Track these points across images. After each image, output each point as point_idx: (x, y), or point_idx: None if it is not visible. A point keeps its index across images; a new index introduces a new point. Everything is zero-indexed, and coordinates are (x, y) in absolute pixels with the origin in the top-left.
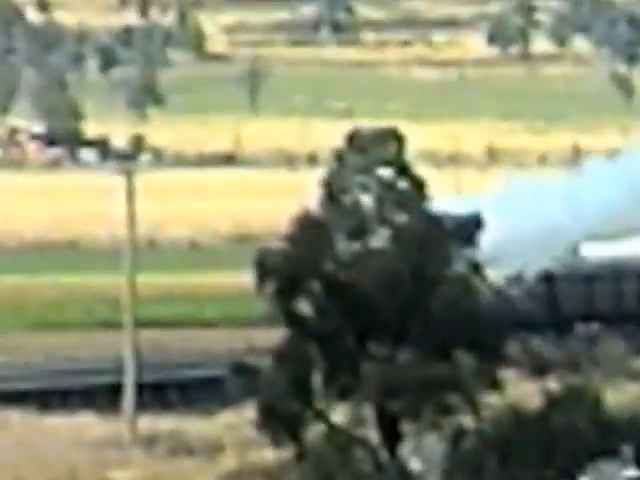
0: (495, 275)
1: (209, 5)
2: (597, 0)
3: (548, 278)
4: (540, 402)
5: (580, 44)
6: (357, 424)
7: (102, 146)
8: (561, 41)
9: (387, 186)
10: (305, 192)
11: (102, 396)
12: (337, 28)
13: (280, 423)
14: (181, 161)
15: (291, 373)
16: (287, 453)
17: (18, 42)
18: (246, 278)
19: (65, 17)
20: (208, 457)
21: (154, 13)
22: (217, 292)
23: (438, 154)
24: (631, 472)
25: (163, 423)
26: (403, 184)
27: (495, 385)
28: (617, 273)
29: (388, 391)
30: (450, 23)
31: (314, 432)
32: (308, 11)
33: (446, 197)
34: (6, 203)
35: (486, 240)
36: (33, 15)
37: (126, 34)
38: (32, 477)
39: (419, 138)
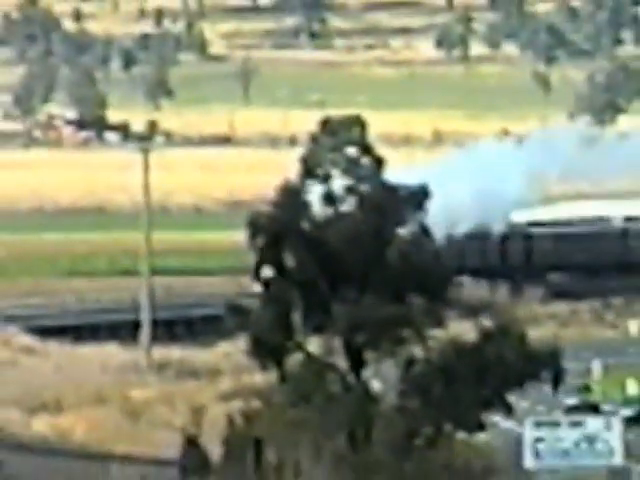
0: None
1: (211, 16)
2: (523, 12)
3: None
4: (475, 337)
5: (509, 48)
6: (329, 353)
7: (123, 129)
8: (494, 45)
9: (352, 162)
10: (286, 167)
11: (124, 330)
12: (313, 35)
13: (267, 352)
14: (187, 142)
15: (276, 312)
16: (272, 377)
17: (56, 46)
18: (239, 236)
19: (94, 26)
20: (209, 380)
21: (166, 22)
22: (216, 247)
23: (394, 136)
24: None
25: (173, 352)
26: (365, 160)
27: (440, 322)
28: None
29: (354, 327)
30: (405, 31)
31: (294, 360)
32: (290, 21)
33: (400, 170)
34: (45, 175)
35: (432, 204)
36: (68, 24)
37: (143, 39)
38: (68, 396)
39: (379, 124)
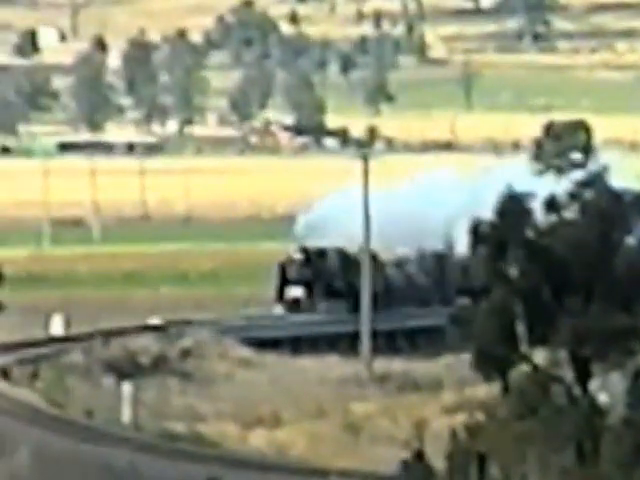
0: None
1: (431, 19)
2: None
3: None
4: None
5: None
6: (554, 365)
7: (342, 135)
8: None
9: (577, 167)
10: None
11: (343, 341)
12: (537, 38)
13: (491, 364)
14: (407, 148)
15: (499, 323)
16: (496, 389)
17: (273, 49)
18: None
19: (311, 29)
20: (431, 393)
21: (385, 25)
22: None
23: (620, 142)
24: None
25: (394, 364)
26: (590, 166)
27: None
28: None
29: (580, 338)
30: (630, 33)
31: (518, 372)
32: (513, 24)
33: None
34: (262, 182)
35: None
36: (285, 27)
37: (362, 43)
38: (286, 409)
39: (604, 129)
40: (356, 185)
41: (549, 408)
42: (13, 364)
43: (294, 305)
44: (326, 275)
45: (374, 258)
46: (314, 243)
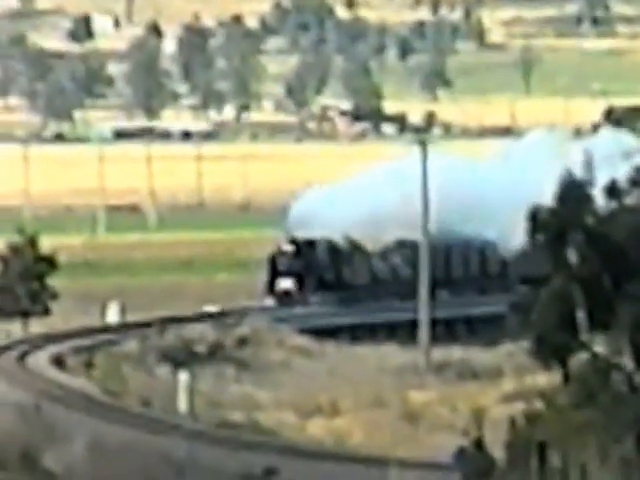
0: None
1: (490, 3)
2: None
3: None
4: None
5: None
6: (614, 353)
7: (400, 121)
8: None
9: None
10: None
11: (402, 330)
12: (596, 22)
13: (550, 352)
14: (465, 133)
15: (559, 310)
16: (556, 377)
17: (329, 34)
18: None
19: (368, 14)
20: (490, 381)
21: (443, 10)
22: None
23: None
24: None
25: (453, 352)
26: None
27: None
28: None
29: None
30: None
31: (578, 360)
32: (572, 8)
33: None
34: (319, 169)
35: None
36: (342, 12)
37: (420, 28)
38: (344, 398)
39: None
40: (345, 176)
41: (609, 396)
42: (68, 353)
43: (285, 297)
44: (317, 267)
45: (359, 249)
46: (303, 234)
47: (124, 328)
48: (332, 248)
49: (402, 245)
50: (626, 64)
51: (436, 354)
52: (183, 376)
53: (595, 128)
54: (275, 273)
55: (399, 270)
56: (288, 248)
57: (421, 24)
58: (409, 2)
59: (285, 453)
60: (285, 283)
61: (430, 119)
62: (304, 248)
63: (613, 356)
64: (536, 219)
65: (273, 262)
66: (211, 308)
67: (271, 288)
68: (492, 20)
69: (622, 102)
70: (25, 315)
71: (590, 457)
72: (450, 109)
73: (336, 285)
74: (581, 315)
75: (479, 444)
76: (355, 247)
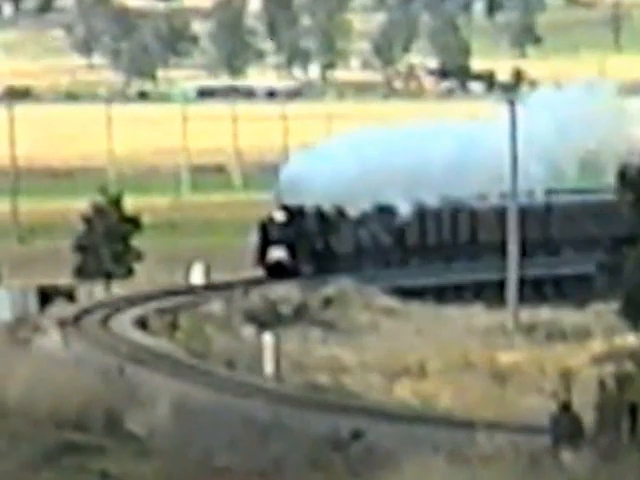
0: None
1: None
2: None
3: None
4: None
5: None
6: None
7: (488, 79)
8: None
9: None
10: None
11: (490, 290)
12: None
13: (639, 312)
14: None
15: None
16: None
17: None
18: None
19: None
20: (579, 342)
21: None
22: None
23: None
24: None
25: (541, 313)
26: None
27: None
28: None
29: None
30: None
31: None
32: None
33: None
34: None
35: None
36: None
37: None
38: (431, 360)
39: None
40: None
41: None
42: (152, 314)
43: (277, 268)
44: (308, 236)
45: (342, 214)
46: (292, 201)
47: (208, 289)
48: (321, 215)
49: (381, 210)
50: None
51: (524, 315)
52: (268, 337)
53: None
54: (266, 242)
55: (379, 237)
56: (279, 215)
57: None
58: None
59: (372, 416)
60: (277, 253)
61: (518, 77)
62: (296, 215)
63: None
64: (624, 177)
65: (264, 230)
66: None
67: (262, 258)
68: None
69: None
70: (108, 276)
71: None
72: (539, 67)
73: (324, 253)
74: None
75: (567, 406)
76: (340, 214)
